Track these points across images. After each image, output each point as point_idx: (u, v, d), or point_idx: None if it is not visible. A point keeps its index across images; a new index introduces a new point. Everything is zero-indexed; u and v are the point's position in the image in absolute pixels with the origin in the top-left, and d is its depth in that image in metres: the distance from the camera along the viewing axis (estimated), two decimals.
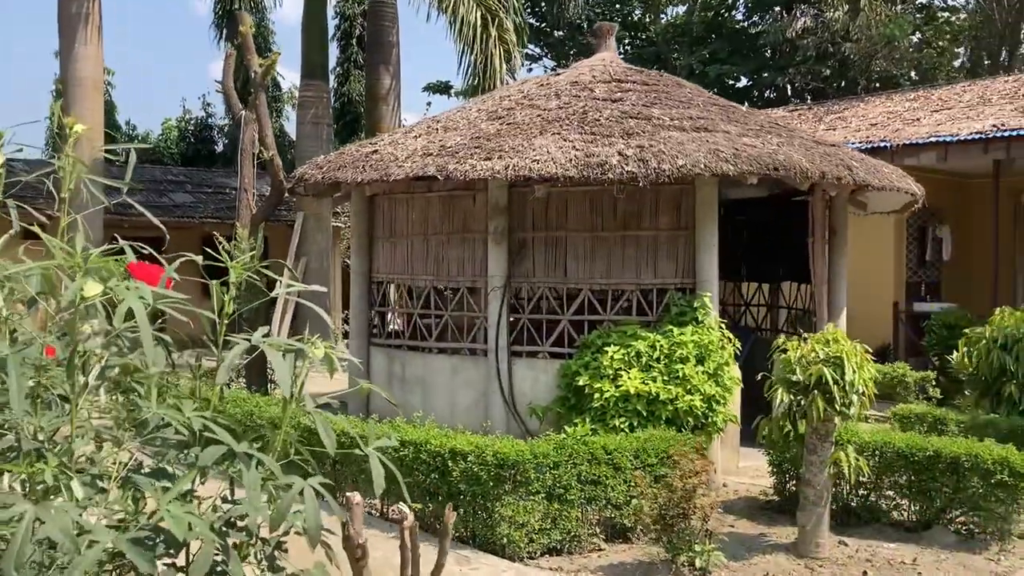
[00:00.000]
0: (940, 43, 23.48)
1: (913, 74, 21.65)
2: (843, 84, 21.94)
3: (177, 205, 19.09)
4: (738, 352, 10.28)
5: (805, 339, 6.74)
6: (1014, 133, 12.12)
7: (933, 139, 12.97)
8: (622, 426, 7.67)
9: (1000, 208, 12.97)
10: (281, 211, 21.02)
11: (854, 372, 6.26)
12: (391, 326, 9.63)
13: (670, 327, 8.11)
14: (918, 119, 14.38)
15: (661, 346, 7.94)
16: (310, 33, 18.43)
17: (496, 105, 9.36)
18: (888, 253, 14.30)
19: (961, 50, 24.93)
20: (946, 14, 24.90)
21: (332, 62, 33.27)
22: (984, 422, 8.30)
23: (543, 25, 28.95)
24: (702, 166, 7.57)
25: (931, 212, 14.82)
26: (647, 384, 7.76)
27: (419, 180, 8.86)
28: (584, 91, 9.23)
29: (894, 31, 19.23)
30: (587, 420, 7.83)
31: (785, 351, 6.69)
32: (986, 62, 22.00)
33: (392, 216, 9.46)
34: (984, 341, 9.04)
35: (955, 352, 10.66)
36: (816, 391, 6.27)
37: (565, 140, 7.99)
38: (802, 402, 6.37)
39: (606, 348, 8.03)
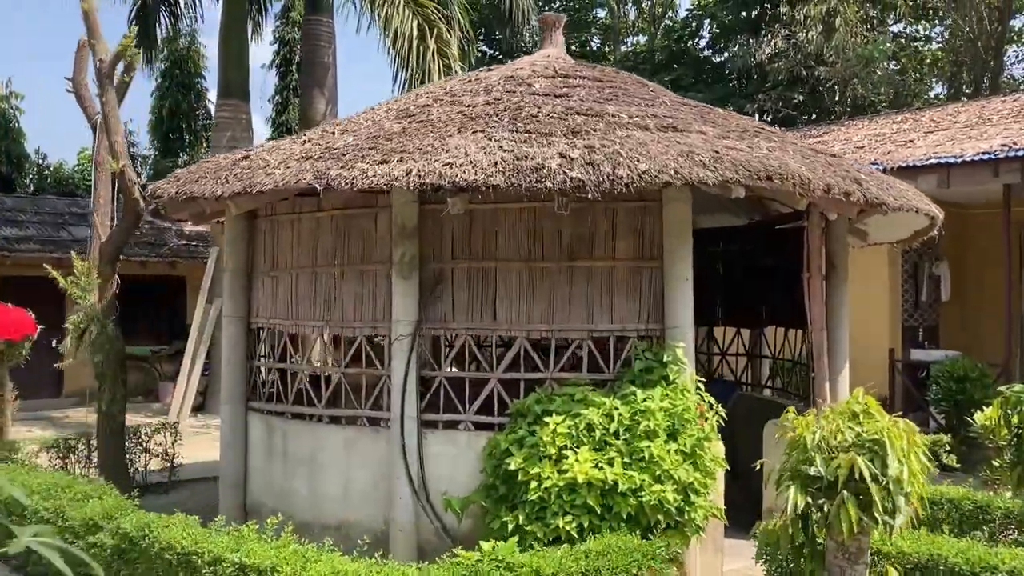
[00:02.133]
0: (918, 72, 22.09)
1: (892, 100, 20.14)
2: (816, 111, 20.38)
3: (76, 240, 16.80)
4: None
5: (818, 409, 4.76)
6: None
7: (933, 161, 11.20)
8: (568, 527, 5.58)
9: (1004, 241, 11.18)
10: (198, 246, 18.81)
11: (900, 464, 4.25)
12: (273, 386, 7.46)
13: (632, 389, 6.07)
14: (911, 140, 12.65)
15: (620, 415, 5.89)
16: (228, 47, 16.43)
17: (410, 103, 7.35)
18: (882, 293, 12.45)
19: (936, 81, 23.59)
20: (919, 43, 23.57)
21: (270, 90, 31.25)
22: None
23: (496, 53, 27.22)
24: (672, 172, 5.59)
25: (927, 246, 13.02)
26: (601, 469, 5.69)
27: (304, 195, 6.80)
28: (521, 86, 7.25)
29: (872, 52, 17.70)
30: (521, 517, 5.73)
31: (793, 429, 4.68)
32: (966, 90, 20.60)
33: (274, 243, 7.35)
34: None
35: (973, 412, 8.79)
36: (846, 491, 4.24)
37: (490, 139, 5.98)
38: (825, 507, 4.33)
39: (547, 418, 5.96)
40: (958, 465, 9.70)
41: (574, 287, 6.48)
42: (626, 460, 5.75)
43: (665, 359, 6.15)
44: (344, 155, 5.96)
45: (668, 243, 6.40)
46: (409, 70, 14.87)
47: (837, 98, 19.46)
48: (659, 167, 5.60)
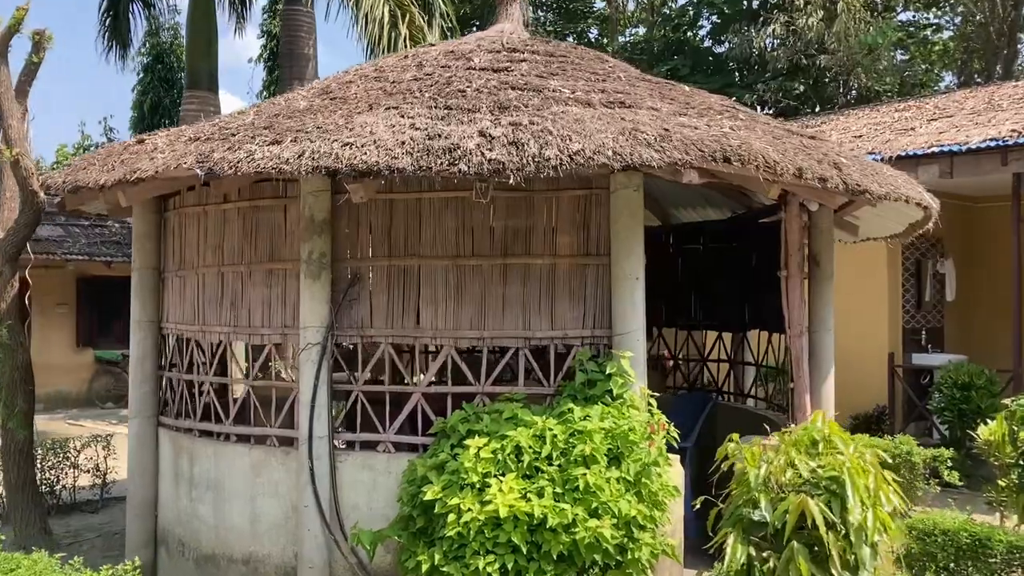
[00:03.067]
0: (926, 62, 21.11)
1: (898, 91, 19.16)
2: (818, 102, 19.44)
3: (38, 240, 16.04)
4: (686, 426, 7.46)
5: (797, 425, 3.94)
6: None
7: (936, 149, 10.29)
8: (490, 569, 4.77)
9: (1014, 236, 10.26)
10: None
11: (865, 508, 3.40)
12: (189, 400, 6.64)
13: (570, 406, 5.23)
14: (912, 128, 11.74)
15: (555, 437, 5.06)
16: (196, 36, 15.67)
17: (335, 80, 6.54)
18: (880, 293, 11.54)
19: (947, 71, 22.60)
20: (929, 32, 22.57)
21: (258, 85, 30.45)
22: None
23: None
24: (609, 152, 4.75)
25: (930, 242, 12.12)
26: (529, 500, 4.86)
27: (210, 185, 6.00)
28: (459, 60, 6.43)
29: (876, 39, 16.75)
30: (438, 556, 4.91)
31: (737, 459, 3.84)
32: (977, 80, 19.60)
33: (182, 239, 6.55)
34: None
35: (979, 423, 7.94)
36: (796, 542, 3.39)
37: (404, 117, 5.16)
38: (771, 561, 3.49)
39: (470, 439, 5.14)
40: (961, 483, 8.80)
41: (509, 288, 5.65)
42: (558, 490, 4.91)
43: (609, 371, 5.31)
44: (234, 135, 5.15)
45: (616, 237, 5.56)
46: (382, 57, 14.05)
47: (840, 88, 18.49)
48: (595, 147, 4.77)
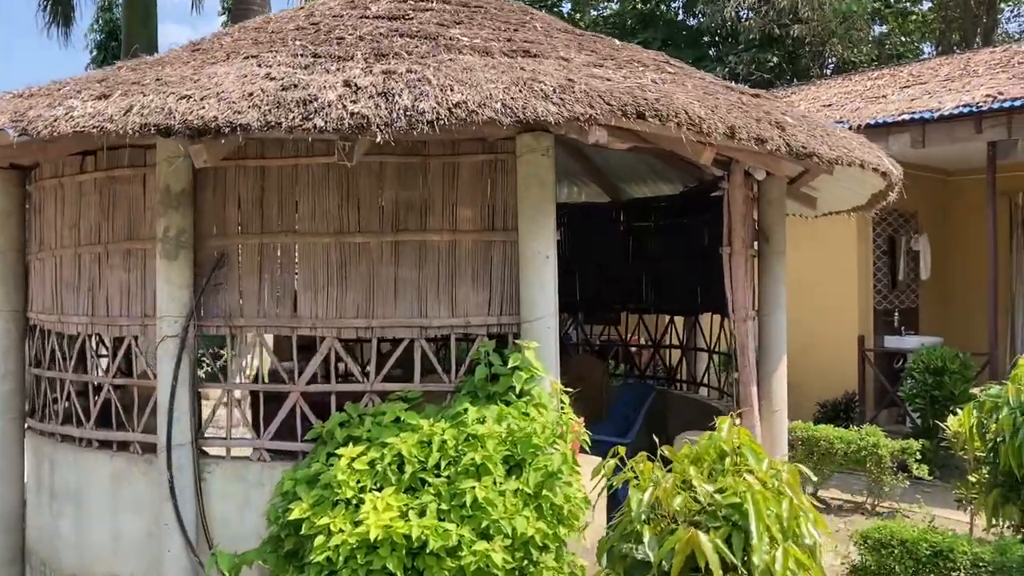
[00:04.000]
0: (905, 33, 20.36)
1: (876, 62, 18.41)
2: (794, 75, 18.67)
3: None
4: (629, 419, 6.75)
5: (743, 419, 3.21)
6: (1017, 103, 8.73)
7: (906, 116, 9.56)
8: None
9: (989, 209, 9.54)
10: None
11: (774, 544, 2.66)
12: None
13: (465, 406, 4.48)
14: (884, 96, 11.00)
15: (443, 444, 4.31)
16: (132, 2, 14.75)
17: (216, 35, 5.74)
18: (850, 271, 10.82)
19: (925, 40, 21.85)
20: (907, 2, 21.80)
21: None
22: (1019, 560, 4.76)
23: None
24: (497, 106, 3.98)
25: (904, 218, 11.41)
26: (407, 519, 4.11)
27: (84, 154, 5.21)
28: (356, 10, 5.62)
29: (851, 6, 15.99)
30: None
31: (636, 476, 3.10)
32: (956, 51, 18.85)
33: (41, 215, 5.75)
34: (1007, 410, 5.54)
35: (952, 411, 7.27)
36: None
37: (260, 66, 4.38)
38: None
39: (343, 449, 4.40)
40: (931, 476, 8.13)
41: (402, 269, 4.88)
42: (444, 507, 4.17)
43: (514, 365, 4.55)
44: (59, 90, 4.35)
45: (524, 209, 4.79)
46: None
47: (815, 60, 17.71)
48: (480, 99, 3.99)
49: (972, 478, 6.47)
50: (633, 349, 9.21)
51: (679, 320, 8.67)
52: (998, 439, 5.64)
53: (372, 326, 4.86)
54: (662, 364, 8.83)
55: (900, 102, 10.23)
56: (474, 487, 4.12)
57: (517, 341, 4.66)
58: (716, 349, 8.00)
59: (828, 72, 18.73)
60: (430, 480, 4.26)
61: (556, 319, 4.81)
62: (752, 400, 6.01)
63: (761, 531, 2.61)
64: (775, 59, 18.60)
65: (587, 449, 4.68)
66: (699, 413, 7.58)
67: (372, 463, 4.32)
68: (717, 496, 2.75)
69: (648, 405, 6.89)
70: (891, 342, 10.81)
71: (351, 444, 4.46)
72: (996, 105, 8.85)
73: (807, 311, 10.88)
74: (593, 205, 9.25)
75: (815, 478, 8.10)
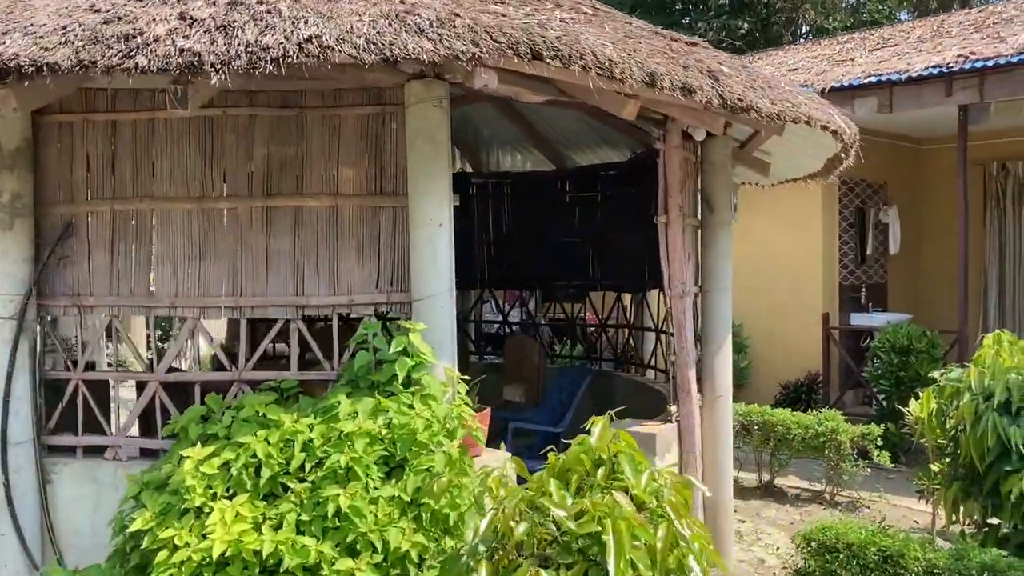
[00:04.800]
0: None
1: (851, 28, 17.79)
2: (765, 42, 18.04)
3: None
4: (565, 406, 6.16)
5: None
6: (990, 63, 8.13)
7: (873, 79, 8.94)
8: None
9: (967, 181, 8.96)
10: None
11: None
12: None
13: (340, 399, 3.85)
14: (852, 59, 10.37)
15: (311, 443, 3.69)
16: None
17: None
18: (814, 245, 10.25)
19: (904, 12, 21.22)
20: None
21: None
22: (979, 567, 4.19)
23: None
24: (360, 42, 3.33)
25: (873, 189, 10.83)
26: (259, 533, 3.50)
27: None
28: None
29: None
30: None
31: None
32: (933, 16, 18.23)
33: None
34: (968, 396, 4.97)
35: (919, 390, 6.73)
36: None
37: None
38: None
39: (190, 450, 3.77)
40: (893, 464, 7.59)
41: (275, 239, 4.24)
42: (305, 517, 3.56)
43: (398, 348, 3.93)
44: None
45: (413, 168, 4.15)
46: None
47: (788, 27, 17.06)
48: (338, 33, 3.34)
49: (935, 467, 5.92)
50: (591, 329, 8.61)
51: (626, 298, 8.07)
52: (958, 428, 5.08)
53: (240, 305, 4.22)
54: (609, 345, 8.24)
55: (867, 64, 9.61)
56: (339, 494, 3.51)
57: (400, 323, 4.03)
58: (664, 328, 7.40)
59: (801, 39, 18.10)
60: (292, 485, 3.65)
61: (452, 297, 4.19)
62: (690, 384, 5.42)
63: (622, 569, 2.01)
64: (746, 26, 17.94)
65: (479, 442, 4.07)
66: (648, 397, 7.01)
67: (227, 465, 3.70)
68: (571, 524, 2.16)
69: (584, 389, 6.30)
70: (858, 319, 10.26)
71: (208, 443, 3.84)
72: (967, 66, 8.25)
73: (768, 287, 10.34)
74: (538, 174, 8.61)
75: (735, 473, 7.57)
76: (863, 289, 10.64)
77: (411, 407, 3.83)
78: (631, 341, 7.94)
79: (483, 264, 8.86)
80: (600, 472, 2.35)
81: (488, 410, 4.48)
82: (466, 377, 4.16)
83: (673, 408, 5.45)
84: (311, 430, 3.71)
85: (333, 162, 4.25)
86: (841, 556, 4.51)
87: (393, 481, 3.69)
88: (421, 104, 4.07)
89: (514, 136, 8.35)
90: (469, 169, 8.96)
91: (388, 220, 4.26)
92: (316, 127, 4.25)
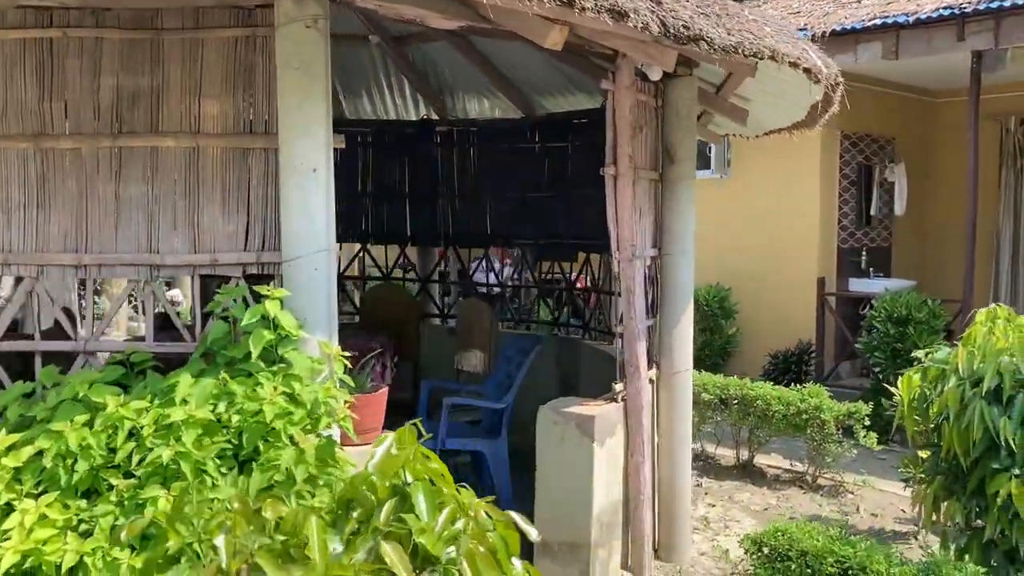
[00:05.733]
0: None
1: None
2: None
3: None
4: (512, 376, 5.54)
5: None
6: (1006, 3, 7.28)
7: (878, 21, 8.11)
8: None
9: (981, 138, 8.16)
10: None
11: None
12: None
13: (179, 379, 3.22)
14: (858, 1, 9.49)
15: (141, 432, 3.08)
16: None
17: None
18: (811, 205, 9.49)
19: None
20: None
21: None
22: None
23: None
24: None
25: (879, 144, 10.02)
26: (64, 540, 2.90)
27: None
28: None
29: None
30: None
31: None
32: None
33: None
34: (954, 380, 4.28)
35: (916, 364, 6.00)
36: None
37: None
38: None
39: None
40: (880, 446, 6.91)
41: (126, 186, 3.59)
42: (124, 521, 2.95)
43: (249, 320, 3.28)
44: None
45: (285, 103, 3.47)
46: None
47: None
48: None
49: (923, 454, 5.25)
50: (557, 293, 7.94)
51: (595, 258, 7.39)
52: (942, 417, 4.39)
53: (85, 263, 3.58)
54: (578, 310, 7.58)
55: (874, 6, 8.75)
56: (158, 498, 2.89)
57: (257, 288, 3.37)
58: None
59: None
60: (114, 482, 3.04)
61: (331, 257, 3.53)
62: (639, 359, 4.76)
63: None
64: None
65: (348, 432, 3.43)
66: (614, 369, 6.38)
67: (38, 456, 3.09)
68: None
69: (531, 360, 5.64)
70: (856, 285, 9.53)
71: (31, 427, 3.23)
72: (982, 6, 7.41)
73: (760, 249, 9.61)
74: (505, 122, 7.90)
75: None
76: (864, 253, 9.88)
77: (282, 389, 3.20)
78: (599, 307, 7.27)
79: (447, 219, 8.20)
80: (386, 508, 1.73)
81: (384, 391, 3.85)
82: (346, 354, 3.51)
83: (618, 386, 4.80)
84: (145, 415, 3.09)
85: (195, 95, 3.58)
86: (793, 566, 3.87)
87: (243, 478, 3.08)
88: (292, 24, 3.39)
89: (479, 81, 7.62)
90: (435, 117, 8.26)
91: (259, 165, 3.60)
92: (174, 53, 3.57)
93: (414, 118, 8.40)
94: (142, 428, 3.07)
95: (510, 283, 8.29)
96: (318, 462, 3.13)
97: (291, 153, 3.44)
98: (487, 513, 1.90)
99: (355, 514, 1.79)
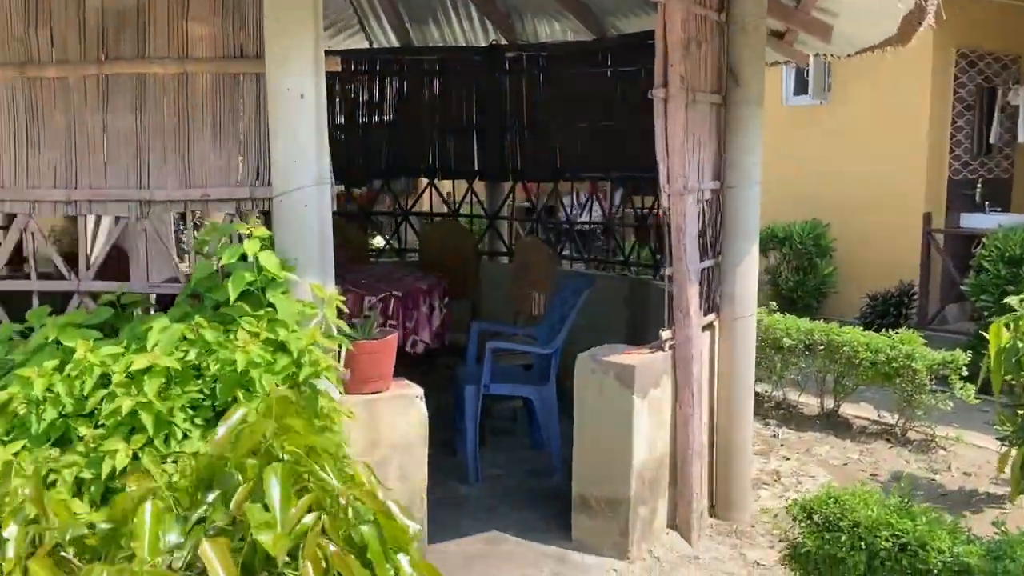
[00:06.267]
0: None
1: None
2: None
3: None
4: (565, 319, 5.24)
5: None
6: None
7: None
8: None
9: None
10: None
11: None
12: None
13: (154, 324, 3.02)
14: None
15: (110, 379, 2.90)
16: None
17: None
18: (919, 130, 8.64)
19: None
20: None
21: None
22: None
23: None
24: None
25: (1002, 64, 9.02)
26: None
27: None
28: None
29: None
30: None
31: None
32: None
33: None
34: None
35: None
36: None
37: None
38: None
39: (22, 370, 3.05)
40: (977, 400, 6.24)
41: (113, 117, 3.37)
42: (87, 474, 2.79)
43: (228, 260, 3.04)
44: None
45: (270, 23, 3.16)
46: None
47: None
48: None
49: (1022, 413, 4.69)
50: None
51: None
52: None
53: (75, 199, 3.40)
54: (650, 247, 7.12)
55: None
56: (117, 450, 2.71)
57: (235, 225, 3.12)
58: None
59: None
60: (83, 431, 2.88)
61: (322, 192, 3.24)
62: (688, 303, 4.34)
63: None
64: None
65: (335, 384, 3.17)
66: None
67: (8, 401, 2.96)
68: None
69: (581, 304, 5.26)
70: (969, 221, 8.70)
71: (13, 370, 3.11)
72: None
73: (860, 181, 8.85)
74: (575, 44, 7.41)
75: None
76: (979, 185, 8.99)
77: (255, 333, 2.96)
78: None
79: (515, 152, 7.81)
80: (238, 495, 1.43)
81: (392, 337, 3.57)
82: (341, 297, 3.24)
83: (666, 333, 4.39)
84: (111, 363, 2.90)
85: (182, 17, 3.31)
86: (844, 538, 3.45)
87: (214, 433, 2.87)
88: None
89: (547, 1, 7.13)
90: (504, 42, 7.83)
91: (251, 91, 3.32)
92: None
93: (483, 45, 7.99)
94: (110, 375, 2.89)
95: (584, 220, 7.88)
96: (300, 414, 2.89)
97: (277, 77, 3.15)
98: (364, 503, 1.59)
99: (212, 497, 1.51)
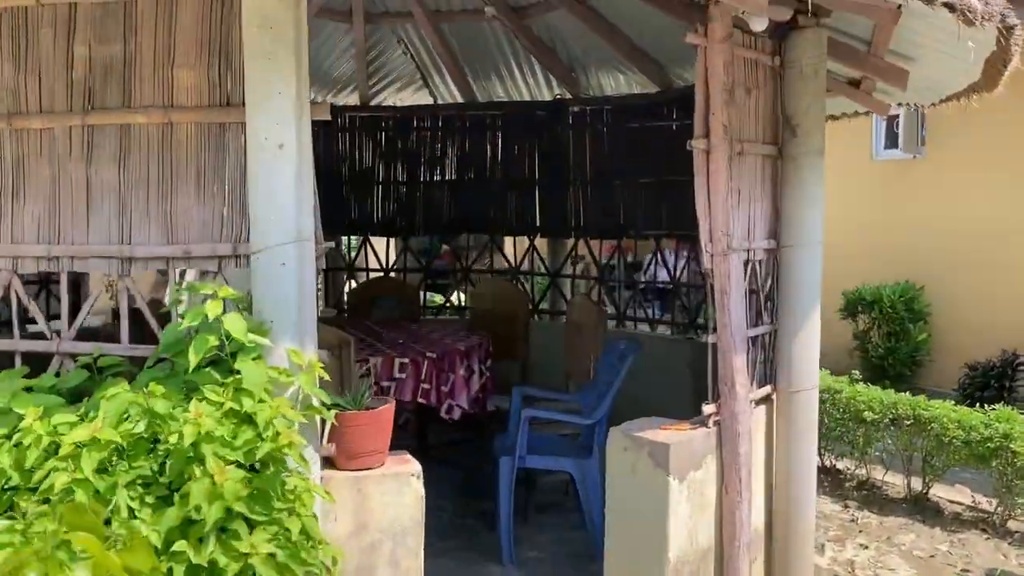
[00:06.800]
0: None
1: None
2: None
3: None
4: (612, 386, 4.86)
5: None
6: None
7: None
8: None
9: None
10: None
11: None
12: None
13: (116, 389, 2.78)
14: None
15: (53, 446, 2.65)
16: None
17: None
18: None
19: None
20: None
21: None
22: None
23: None
24: None
25: None
26: None
27: None
28: None
29: None
30: None
31: None
32: None
33: None
34: None
35: None
36: None
37: None
38: None
39: None
40: None
41: (97, 169, 3.20)
42: (27, 551, 2.53)
43: (190, 323, 2.79)
44: None
45: (250, 70, 2.94)
46: None
47: None
48: None
49: None
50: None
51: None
52: None
53: (56, 255, 3.22)
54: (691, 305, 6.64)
55: None
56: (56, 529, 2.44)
57: (196, 285, 2.86)
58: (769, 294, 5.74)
59: None
60: (25, 506, 2.63)
61: (303, 250, 2.97)
62: (734, 375, 3.88)
63: None
64: None
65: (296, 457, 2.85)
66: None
67: None
68: None
69: (626, 370, 4.84)
70: None
71: None
72: None
73: (958, 242, 8.17)
74: (638, 97, 7.08)
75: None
76: None
77: (219, 403, 2.68)
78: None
79: (578, 207, 7.49)
80: None
81: (388, 408, 3.24)
82: (323, 363, 2.94)
83: (709, 407, 3.94)
84: (54, 433, 2.66)
85: (168, 64, 3.12)
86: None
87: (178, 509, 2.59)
88: None
89: (610, 53, 6.85)
90: (568, 96, 7.57)
91: (236, 141, 3.09)
92: (148, 16, 3.13)
93: (548, 99, 7.75)
94: (57, 446, 2.65)
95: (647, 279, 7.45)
96: (256, 496, 2.59)
97: (255, 126, 2.91)
98: None
99: None
